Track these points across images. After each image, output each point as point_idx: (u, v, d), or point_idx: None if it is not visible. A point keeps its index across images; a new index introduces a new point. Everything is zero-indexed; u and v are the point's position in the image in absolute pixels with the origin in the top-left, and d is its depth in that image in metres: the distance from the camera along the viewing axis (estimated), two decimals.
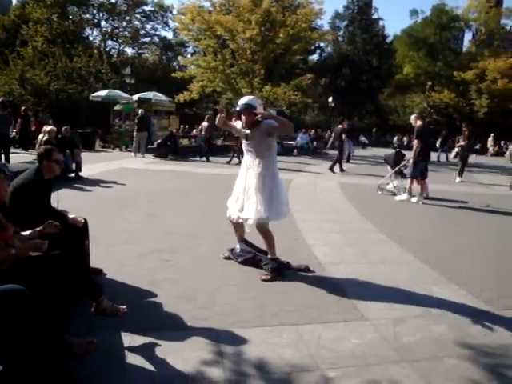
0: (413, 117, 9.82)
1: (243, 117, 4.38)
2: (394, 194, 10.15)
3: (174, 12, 37.62)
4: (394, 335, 3.23)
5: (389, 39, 47.44)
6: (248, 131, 4.34)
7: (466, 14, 43.36)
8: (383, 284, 4.28)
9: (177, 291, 3.83)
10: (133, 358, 2.75)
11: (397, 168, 10.32)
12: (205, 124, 17.51)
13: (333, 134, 18.42)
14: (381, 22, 48.04)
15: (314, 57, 46.78)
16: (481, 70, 38.86)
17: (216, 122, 4.69)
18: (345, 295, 3.95)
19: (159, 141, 17.16)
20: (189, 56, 39.28)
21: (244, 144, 4.49)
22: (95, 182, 9.55)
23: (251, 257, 4.69)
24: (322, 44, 43.16)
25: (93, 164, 12.26)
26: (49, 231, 3.05)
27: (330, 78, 45.14)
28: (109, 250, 4.81)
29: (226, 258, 4.81)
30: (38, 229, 3.07)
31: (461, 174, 13.63)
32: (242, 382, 2.59)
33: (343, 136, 15.22)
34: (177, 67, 38.29)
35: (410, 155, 9.72)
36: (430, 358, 2.94)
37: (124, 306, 3.06)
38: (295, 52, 25.63)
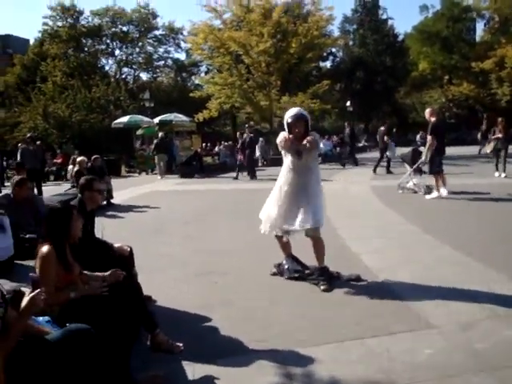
0: (427, 111, 9.69)
1: (294, 129, 4.20)
2: (415, 192, 9.96)
3: (185, 33, 38.26)
4: (465, 342, 3.06)
5: (400, 38, 47.10)
6: (299, 147, 4.18)
7: (478, 3, 42.85)
8: (441, 286, 4.09)
9: (231, 313, 3.73)
10: None
11: (415, 166, 10.14)
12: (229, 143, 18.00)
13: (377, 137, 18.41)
14: (390, 22, 47.78)
15: (327, 63, 46.74)
16: (499, 58, 38.11)
17: (282, 147, 4.37)
18: (404, 302, 3.79)
19: (184, 160, 17.29)
20: (202, 75, 39.80)
21: (292, 157, 4.32)
22: (128, 208, 9.61)
23: (300, 273, 4.55)
24: (333, 50, 43.16)
25: (122, 190, 12.37)
26: (113, 280, 2.96)
27: (345, 83, 44.96)
28: (153, 276, 4.74)
29: (273, 274, 4.68)
30: (101, 274, 3.01)
31: (503, 168, 12.18)
32: None
33: (385, 138, 15.09)
34: (192, 87, 38.77)
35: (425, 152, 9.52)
36: (508, 364, 2.76)
37: (181, 344, 2.98)
38: (309, 60, 25.63)
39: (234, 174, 15.61)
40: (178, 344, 2.98)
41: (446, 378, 2.63)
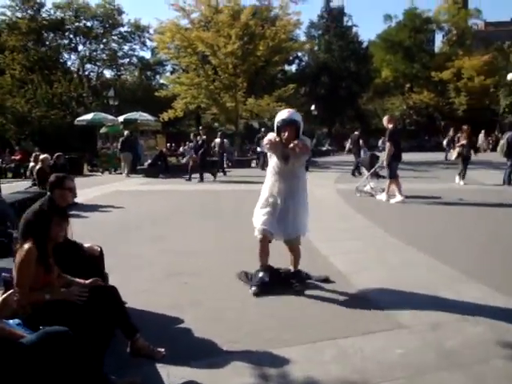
0: (385, 118, 9.99)
1: (284, 133, 3.98)
2: (372, 195, 10.31)
3: (151, 31, 37.79)
4: (435, 341, 3.15)
5: (364, 45, 48.12)
6: (287, 152, 3.99)
7: (437, 16, 44.53)
8: (409, 288, 4.21)
9: (202, 314, 3.70)
10: None
11: (372, 170, 10.58)
12: (217, 140, 18.61)
13: (349, 140, 19.04)
14: (355, 29, 48.74)
15: (292, 67, 47.21)
16: (457, 69, 39.77)
17: (268, 148, 4.15)
18: (375, 303, 3.87)
19: (149, 161, 17.04)
20: (168, 74, 39.36)
21: (278, 161, 4.13)
22: (92, 208, 9.36)
23: (276, 281, 4.35)
24: (299, 54, 43.64)
25: (85, 189, 12.02)
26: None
27: (309, 87, 45.47)
28: (122, 277, 4.60)
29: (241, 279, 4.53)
30: (82, 281, 2.92)
31: (462, 175, 12.37)
32: None
33: (360, 142, 15.47)
34: (157, 86, 38.26)
35: (383, 157, 9.89)
36: (478, 361, 2.87)
37: (162, 350, 2.91)
38: (276, 63, 25.85)
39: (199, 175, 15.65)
40: (160, 350, 2.91)
41: (418, 375, 2.70)
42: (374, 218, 7.71)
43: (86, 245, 3.72)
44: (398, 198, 9.56)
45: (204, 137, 15.49)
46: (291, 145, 3.86)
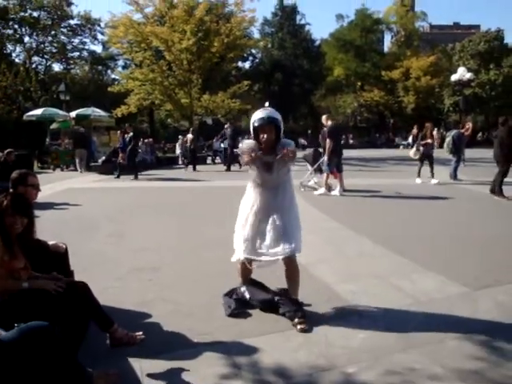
0: (324, 117, 10.52)
1: (263, 135, 3.42)
2: (316, 190, 10.72)
3: (102, 25, 36.74)
4: (393, 326, 3.35)
5: (317, 43, 49.01)
6: (269, 159, 3.43)
7: (387, 17, 46.08)
8: (367, 278, 4.45)
9: (170, 309, 3.75)
10: (150, 383, 2.67)
11: (316, 165, 11.00)
12: (190, 136, 19.66)
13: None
14: (308, 27, 49.61)
15: (246, 64, 47.35)
16: (405, 69, 41.34)
17: (245, 162, 3.51)
18: (335, 292, 4.06)
19: (103, 158, 16.69)
20: (120, 69, 38.51)
21: (260, 171, 3.51)
22: (46, 206, 9.08)
23: (267, 300, 3.67)
24: (253, 51, 43.82)
25: None
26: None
27: (263, 84, 45.86)
28: (85, 275, 4.57)
29: (229, 314, 3.62)
30: (48, 276, 2.92)
31: (432, 173, 11.96)
32: None
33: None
34: (109, 81, 37.34)
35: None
36: (433, 342, 3.09)
37: (140, 333, 2.96)
38: (231, 60, 25.84)
39: (155, 172, 15.73)
40: (137, 333, 2.96)
41: (380, 357, 2.89)
42: (330, 212, 7.98)
43: (51, 242, 3.68)
44: (321, 190, 10.20)
45: (131, 134, 15.18)
46: (279, 154, 3.34)
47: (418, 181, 12.04)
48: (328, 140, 10.04)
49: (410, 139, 22.52)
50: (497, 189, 9.03)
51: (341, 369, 2.76)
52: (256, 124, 3.43)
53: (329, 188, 10.35)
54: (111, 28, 23.93)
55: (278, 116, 3.49)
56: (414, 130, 21.88)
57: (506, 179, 9.25)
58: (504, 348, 3.00)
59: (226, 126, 19.65)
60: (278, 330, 3.31)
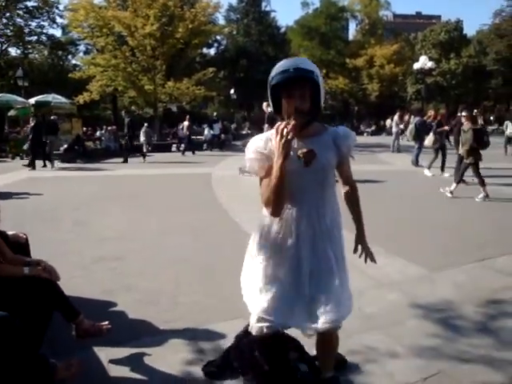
0: (265, 104, 10.50)
1: (287, 100, 1.95)
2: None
3: (61, 8, 35.48)
4: (356, 307, 3.44)
5: (282, 30, 48.92)
6: (302, 151, 1.87)
7: (351, 5, 46.48)
8: None
9: (136, 297, 3.73)
10: (116, 372, 2.64)
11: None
12: (186, 123, 20.23)
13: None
14: (273, 14, 49.41)
15: (211, 50, 46.86)
16: (370, 57, 41.93)
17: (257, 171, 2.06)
18: None
19: (65, 146, 16.24)
20: (81, 54, 37.38)
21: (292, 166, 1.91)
22: (5, 195, 8.78)
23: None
24: (218, 37, 43.36)
25: None
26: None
27: (228, 71, 45.53)
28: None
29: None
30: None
31: (442, 166, 10.87)
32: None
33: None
34: (70, 67, 36.19)
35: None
36: (394, 322, 3.21)
37: (106, 322, 2.92)
38: (196, 46, 25.59)
39: (119, 160, 15.66)
40: (104, 323, 2.92)
41: (343, 339, 2.95)
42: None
43: (10, 233, 3.58)
44: None
45: (32, 124, 14.83)
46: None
47: (428, 173, 11.00)
48: (267, 126, 10.04)
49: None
50: (458, 178, 9.27)
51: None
52: (274, 81, 1.93)
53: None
54: (71, 11, 23.15)
55: (314, 69, 1.94)
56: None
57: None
58: (459, 325, 3.14)
59: (214, 114, 20.24)
60: (243, 315, 3.33)
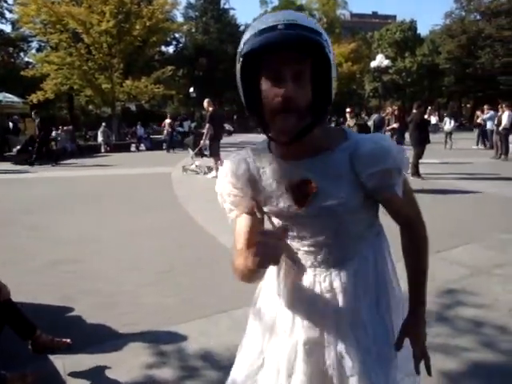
0: (206, 102, 10.63)
1: (271, 83, 1.06)
2: (198, 173, 11.19)
3: (10, 1, 34.13)
4: None
5: (241, 28, 48.86)
6: (292, 182, 1.19)
7: (309, 4, 47.05)
8: None
9: (94, 301, 3.62)
10: (74, 381, 2.56)
11: (196, 149, 11.35)
12: (167, 121, 20.32)
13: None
14: (232, 12, 49.42)
15: (170, 48, 46.33)
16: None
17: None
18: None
19: (18, 147, 15.64)
20: (33, 52, 36.04)
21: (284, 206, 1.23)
22: None
23: None
24: (177, 35, 42.93)
25: None
26: None
27: (187, 69, 45.13)
28: (2, 271, 4.33)
29: None
30: None
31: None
32: (193, 376, 2.59)
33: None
34: (22, 65, 34.86)
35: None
36: None
37: (68, 340, 2.81)
38: (154, 44, 25.22)
39: (76, 161, 15.28)
40: (65, 339, 2.80)
41: None
42: None
43: None
44: (213, 173, 10.44)
45: None
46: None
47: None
48: (208, 125, 10.36)
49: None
50: (413, 170, 9.53)
51: None
52: (248, 49, 1.05)
53: (210, 170, 10.80)
54: (21, 6, 22.23)
55: (320, 28, 1.08)
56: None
57: (421, 160, 9.79)
58: None
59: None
60: (205, 315, 3.31)
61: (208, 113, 10.38)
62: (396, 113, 9.98)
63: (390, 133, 10.60)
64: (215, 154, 10.50)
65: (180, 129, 23.55)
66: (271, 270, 1.37)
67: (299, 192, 1.17)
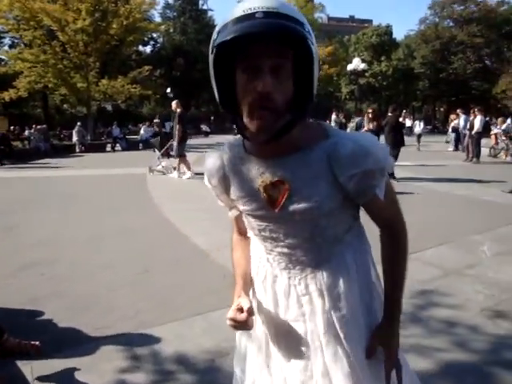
0: (174, 103, 10.80)
1: (247, 77, 0.98)
2: (164, 174, 11.26)
3: None
4: None
5: None
6: (265, 180, 1.13)
7: None
8: None
9: (66, 304, 3.54)
10: None
11: (163, 150, 11.52)
12: (156, 120, 20.19)
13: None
14: (210, 13, 49.27)
15: (147, 48, 45.93)
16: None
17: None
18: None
19: None
20: (6, 48, 35.22)
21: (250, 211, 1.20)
22: None
23: None
24: (154, 35, 42.60)
25: None
26: None
27: (165, 69, 44.80)
28: None
29: None
30: None
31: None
32: (168, 380, 2.55)
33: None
34: None
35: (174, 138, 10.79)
36: None
37: (37, 342, 2.73)
38: (131, 43, 25.04)
39: (50, 160, 14.93)
40: (34, 342, 2.72)
41: None
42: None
43: None
44: (188, 174, 10.51)
45: None
46: None
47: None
48: (178, 126, 10.46)
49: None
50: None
51: None
52: (222, 39, 0.95)
53: (179, 172, 10.90)
54: None
55: (302, 17, 1.02)
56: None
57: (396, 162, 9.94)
58: None
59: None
60: (180, 318, 3.27)
61: (176, 114, 10.49)
62: (370, 115, 10.01)
63: None
64: (181, 154, 10.63)
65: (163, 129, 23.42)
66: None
67: (272, 193, 1.12)
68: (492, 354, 2.72)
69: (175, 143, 10.54)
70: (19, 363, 2.67)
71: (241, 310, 1.18)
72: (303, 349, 1.22)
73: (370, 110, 10.52)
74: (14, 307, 3.48)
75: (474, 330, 3.00)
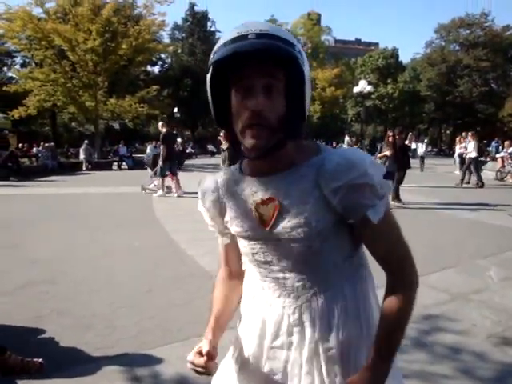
0: (160, 124, 11.13)
1: (241, 96, 1.02)
2: (156, 192, 11.31)
3: None
4: None
5: None
6: (255, 200, 1.13)
7: (295, 29, 47.98)
8: None
9: (69, 323, 3.52)
10: None
11: (155, 169, 11.50)
12: (179, 140, 20.70)
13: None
14: (218, 34, 49.96)
15: (155, 68, 46.58)
16: (311, 79, 43.28)
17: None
18: None
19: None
20: (17, 67, 35.84)
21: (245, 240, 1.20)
22: None
23: None
24: (163, 55, 43.25)
25: None
26: None
27: (172, 89, 45.35)
28: None
29: None
30: None
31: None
32: None
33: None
34: (5, 79, 34.57)
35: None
36: None
37: (40, 359, 2.71)
38: (139, 63, 25.39)
39: (57, 178, 15.07)
40: (36, 360, 2.70)
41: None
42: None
43: None
44: (160, 192, 10.96)
45: None
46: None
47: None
48: (162, 146, 10.76)
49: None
50: (393, 194, 9.63)
51: None
52: (218, 57, 0.99)
53: (169, 190, 11.21)
54: (6, 21, 22.17)
55: (293, 39, 1.04)
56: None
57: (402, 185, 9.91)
58: None
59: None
60: (181, 339, 3.24)
61: (162, 134, 10.74)
62: (390, 139, 9.38)
63: (380, 160, 9.24)
64: (163, 174, 10.93)
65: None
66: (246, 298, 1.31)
67: (263, 211, 1.11)
68: (498, 383, 2.67)
69: (160, 162, 10.81)
70: (19, 382, 2.65)
71: (200, 353, 1.19)
72: (280, 376, 1.18)
73: (391, 134, 9.59)
74: (16, 324, 3.46)
75: (480, 357, 2.95)
